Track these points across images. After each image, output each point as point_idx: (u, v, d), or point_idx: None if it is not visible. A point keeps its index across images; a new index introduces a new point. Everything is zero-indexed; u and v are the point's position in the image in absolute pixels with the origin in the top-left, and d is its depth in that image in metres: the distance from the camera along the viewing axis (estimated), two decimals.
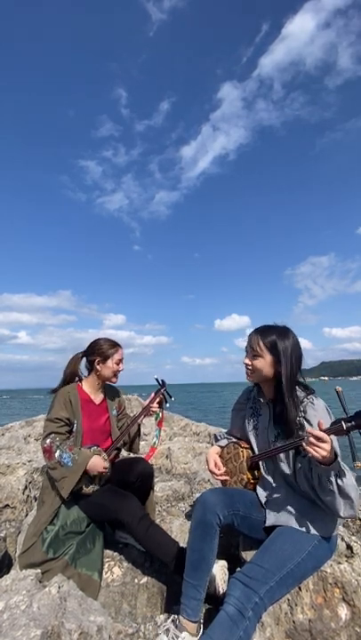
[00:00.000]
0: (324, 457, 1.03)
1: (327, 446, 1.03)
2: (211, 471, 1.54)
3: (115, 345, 1.80)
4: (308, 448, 1.05)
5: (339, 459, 1.06)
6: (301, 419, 1.24)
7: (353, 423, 1.00)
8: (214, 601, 1.34)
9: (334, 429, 1.04)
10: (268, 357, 1.30)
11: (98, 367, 1.77)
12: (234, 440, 1.57)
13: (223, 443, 1.61)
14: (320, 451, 1.02)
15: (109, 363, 1.76)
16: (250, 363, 1.35)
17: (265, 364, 1.31)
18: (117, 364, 1.79)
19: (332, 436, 1.06)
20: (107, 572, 1.55)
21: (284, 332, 1.32)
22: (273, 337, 1.30)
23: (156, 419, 1.93)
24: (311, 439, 1.04)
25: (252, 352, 1.34)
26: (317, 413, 1.21)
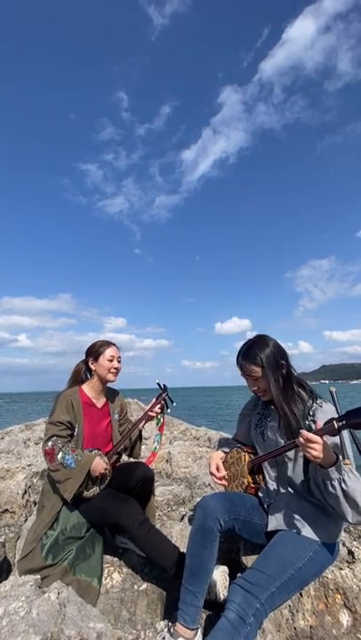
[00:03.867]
0: (316, 457, 1.05)
1: (318, 447, 1.04)
2: (211, 473, 1.54)
3: (106, 342, 1.81)
4: (302, 449, 1.07)
5: (341, 461, 1.05)
6: (310, 422, 1.24)
7: (344, 422, 1.01)
8: (215, 607, 1.33)
9: (327, 429, 1.05)
10: (265, 372, 1.31)
11: (93, 367, 1.78)
12: (238, 445, 1.56)
13: (227, 449, 1.61)
14: (311, 451, 1.04)
15: (101, 360, 1.75)
16: (256, 387, 1.36)
17: (268, 379, 1.31)
18: (110, 361, 1.76)
19: (343, 438, 1.05)
20: (106, 578, 1.54)
21: (260, 341, 1.35)
22: (256, 353, 1.32)
23: (157, 423, 1.92)
24: (300, 440, 1.06)
25: (250, 378, 1.35)
26: (326, 416, 1.21)
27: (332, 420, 1.04)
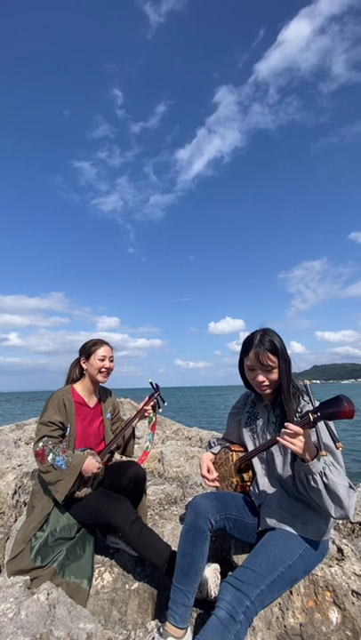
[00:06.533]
0: (298, 447, 1.05)
1: (301, 438, 1.05)
2: (203, 476, 1.54)
3: (98, 341, 1.79)
4: (282, 441, 1.07)
5: (322, 455, 1.05)
6: (299, 419, 1.25)
7: (319, 414, 1.02)
8: (205, 605, 1.33)
9: (304, 422, 1.06)
10: (277, 365, 1.29)
11: (85, 366, 1.76)
12: (226, 444, 1.57)
13: (216, 449, 1.62)
14: (294, 441, 1.05)
15: (92, 360, 1.74)
16: (264, 379, 1.30)
17: (277, 372, 1.30)
18: (101, 361, 1.74)
19: (322, 432, 1.06)
20: (97, 579, 1.53)
21: (273, 332, 1.34)
22: (275, 344, 1.29)
23: (149, 422, 1.93)
24: (283, 431, 1.06)
25: (264, 368, 1.29)
26: None
27: (307, 412, 1.05)
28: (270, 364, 1.28)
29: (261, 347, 1.28)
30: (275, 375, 1.30)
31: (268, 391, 1.34)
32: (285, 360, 1.30)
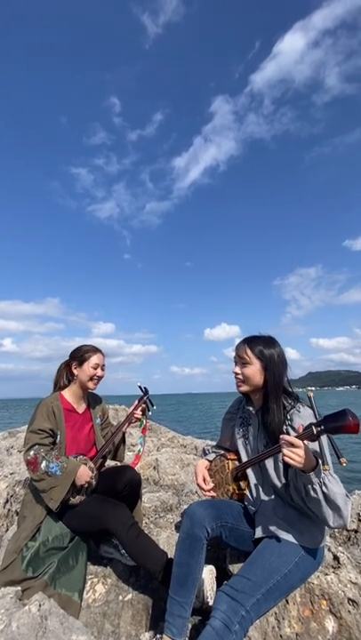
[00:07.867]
0: (298, 462, 1.04)
1: (300, 452, 1.04)
2: (199, 485, 1.53)
3: (93, 349, 1.77)
4: (284, 454, 1.06)
5: (321, 466, 1.05)
6: (288, 426, 1.25)
7: (322, 427, 1.02)
8: (202, 615, 1.30)
9: (306, 434, 1.05)
10: (257, 364, 1.32)
11: (75, 372, 1.74)
12: (221, 452, 1.56)
13: (211, 457, 1.61)
14: (294, 456, 1.03)
15: (85, 366, 1.71)
16: (239, 371, 1.35)
17: (255, 371, 1.32)
18: (94, 369, 1.72)
19: (325, 446, 1.06)
20: (89, 591, 1.49)
21: (270, 340, 1.36)
22: (260, 345, 1.33)
23: (140, 426, 1.93)
24: (283, 444, 1.06)
25: (240, 360, 1.35)
26: (303, 421, 1.21)
27: (310, 425, 1.05)
28: (245, 356, 1.33)
29: (245, 340, 1.36)
30: (249, 371, 1.33)
31: (243, 388, 1.37)
32: (268, 364, 1.31)
